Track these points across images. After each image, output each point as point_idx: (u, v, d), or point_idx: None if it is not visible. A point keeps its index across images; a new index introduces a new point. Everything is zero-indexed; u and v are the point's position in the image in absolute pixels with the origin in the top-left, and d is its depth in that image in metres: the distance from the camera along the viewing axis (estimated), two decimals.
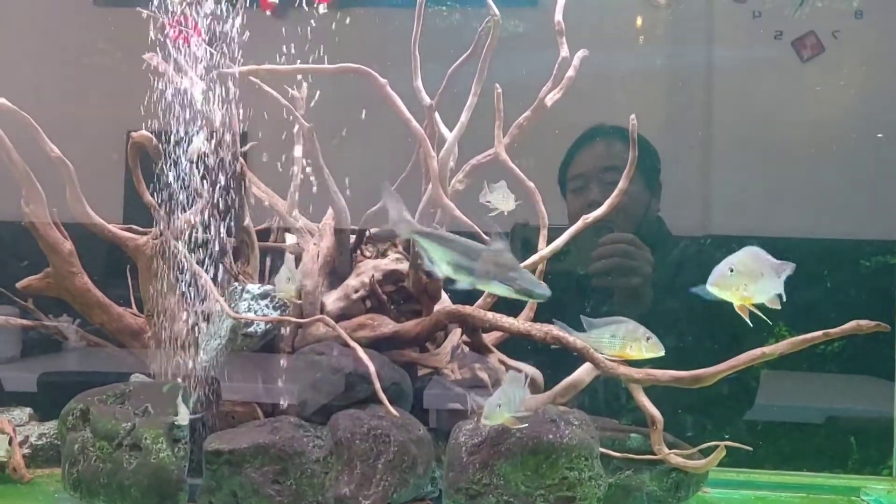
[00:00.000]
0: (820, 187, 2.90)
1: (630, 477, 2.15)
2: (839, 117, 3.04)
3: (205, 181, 2.31)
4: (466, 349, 2.43)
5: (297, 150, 2.54)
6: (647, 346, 1.97)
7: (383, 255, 2.53)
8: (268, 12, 2.88)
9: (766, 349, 1.99)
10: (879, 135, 2.70)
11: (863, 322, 1.92)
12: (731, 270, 1.75)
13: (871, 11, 3.00)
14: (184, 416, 2.07)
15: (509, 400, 1.89)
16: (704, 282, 2.12)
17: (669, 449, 2.14)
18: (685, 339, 2.61)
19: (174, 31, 2.32)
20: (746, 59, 3.07)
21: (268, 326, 2.25)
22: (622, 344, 1.97)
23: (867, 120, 2.98)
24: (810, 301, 2.79)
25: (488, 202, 2.31)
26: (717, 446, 2.11)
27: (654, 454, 2.14)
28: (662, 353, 1.98)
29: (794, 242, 2.85)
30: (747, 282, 1.75)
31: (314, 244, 2.49)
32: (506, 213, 2.32)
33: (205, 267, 2.28)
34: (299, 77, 2.40)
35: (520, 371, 2.34)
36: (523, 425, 1.94)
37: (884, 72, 3.03)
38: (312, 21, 2.49)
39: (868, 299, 2.72)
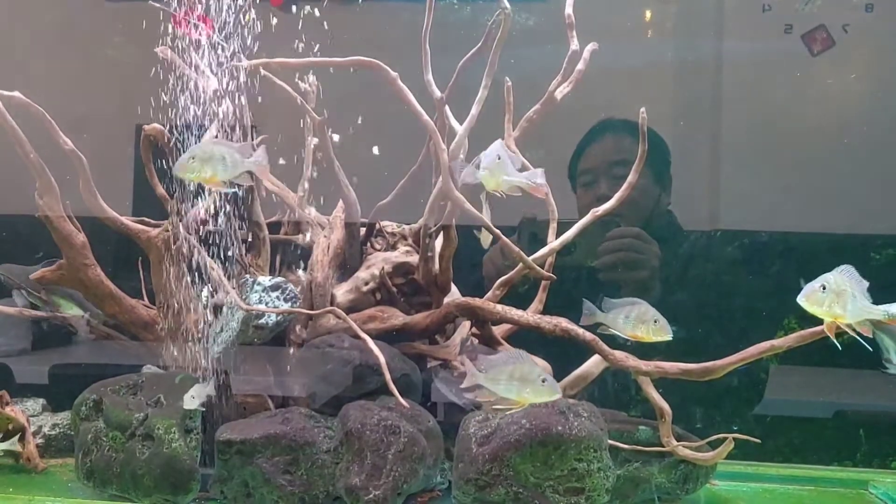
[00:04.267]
0: (830, 181, 2.89)
1: (638, 469, 2.16)
2: (849, 111, 3.03)
3: None
4: (476, 342, 2.44)
5: (309, 143, 2.56)
6: (654, 328, 2.00)
7: (393, 247, 2.55)
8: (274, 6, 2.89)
9: (776, 342, 2.00)
10: None
11: None
12: (824, 288, 1.76)
13: (881, 5, 2.99)
14: (189, 402, 2.09)
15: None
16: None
17: (678, 441, 2.15)
18: (695, 332, 2.61)
19: (183, 24, 2.33)
20: (756, 53, 3.06)
21: (279, 318, 2.27)
22: (633, 325, 2.01)
23: (878, 114, 2.96)
24: None
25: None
26: (725, 439, 2.12)
27: (663, 446, 2.15)
28: (669, 337, 2.00)
29: (804, 236, 2.85)
30: (837, 301, 1.76)
31: (325, 237, 2.51)
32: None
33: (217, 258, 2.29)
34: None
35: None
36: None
37: (895, 65, 3.02)
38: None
39: (878, 293, 2.72)
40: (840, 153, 2.93)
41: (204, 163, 1.96)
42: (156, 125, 2.28)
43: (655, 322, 2.00)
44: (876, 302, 1.79)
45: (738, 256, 2.89)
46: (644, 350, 2.09)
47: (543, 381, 1.89)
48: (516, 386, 1.90)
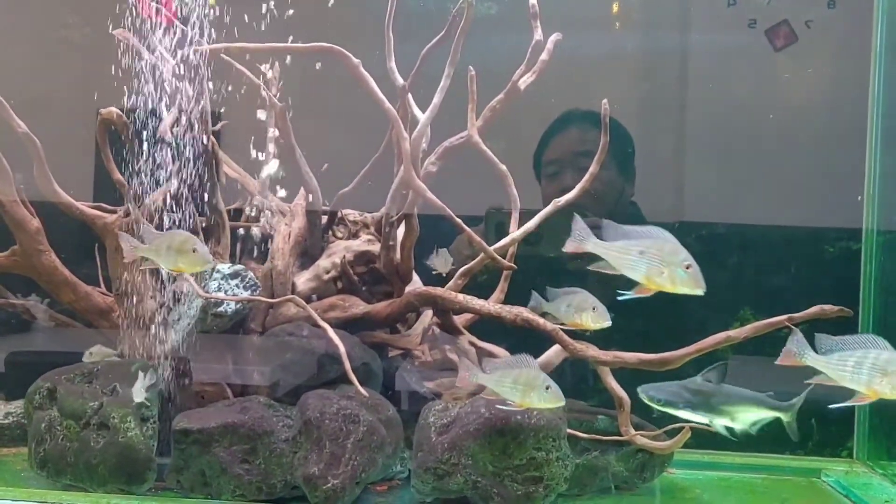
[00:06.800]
0: (789, 175, 2.93)
1: (596, 458, 2.18)
2: (810, 106, 3.07)
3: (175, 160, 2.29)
4: (437, 331, 2.44)
5: (270, 131, 2.53)
6: (592, 316, 2.04)
7: (355, 235, 2.53)
8: None
9: (731, 333, 2.04)
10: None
11: (826, 306, 1.97)
12: None
13: (843, 1, 3.02)
14: (139, 392, 2.06)
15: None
16: None
17: (636, 430, 2.18)
18: (653, 323, 2.63)
19: (146, 8, 2.29)
20: (720, 47, 3.08)
21: (238, 306, 2.25)
22: (574, 313, 2.03)
23: (836, 109, 3.00)
24: (775, 286, 2.83)
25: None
26: (682, 428, 2.15)
27: (621, 435, 2.17)
28: (608, 324, 2.03)
29: (761, 229, 2.88)
30: None
31: (286, 224, 2.48)
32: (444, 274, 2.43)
33: None
34: None
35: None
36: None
37: (854, 62, 3.06)
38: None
39: (832, 285, 2.77)
40: (797, 147, 2.96)
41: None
42: (112, 109, 2.24)
43: (594, 309, 2.03)
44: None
45: (696, 248, 2.92)
46: (603, 340, 2.11)
47: (547, 388, 1.91)
48: (521, 390, 1.92)
